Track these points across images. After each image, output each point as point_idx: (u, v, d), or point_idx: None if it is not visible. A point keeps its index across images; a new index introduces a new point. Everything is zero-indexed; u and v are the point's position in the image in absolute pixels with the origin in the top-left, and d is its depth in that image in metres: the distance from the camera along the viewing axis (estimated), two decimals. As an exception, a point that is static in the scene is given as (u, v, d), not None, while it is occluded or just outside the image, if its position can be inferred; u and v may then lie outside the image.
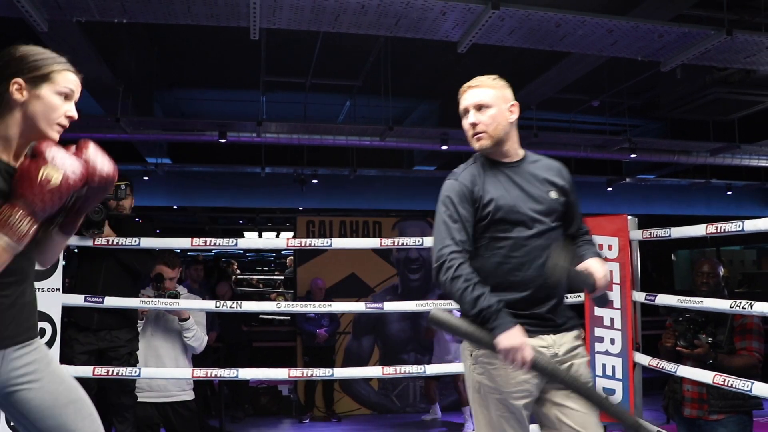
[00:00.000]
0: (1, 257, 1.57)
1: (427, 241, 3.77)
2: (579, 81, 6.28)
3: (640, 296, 3.83)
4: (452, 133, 7.18)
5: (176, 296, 3.95)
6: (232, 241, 3.93)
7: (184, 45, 6.49)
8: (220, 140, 6.74)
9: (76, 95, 1.79)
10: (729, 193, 10.55)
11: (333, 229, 7.45)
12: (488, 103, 2.19)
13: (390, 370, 3.81)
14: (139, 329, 3.95)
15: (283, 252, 16.05)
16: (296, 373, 3.91)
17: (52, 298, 3.52)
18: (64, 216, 1.81)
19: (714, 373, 3.09)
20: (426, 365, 3.99)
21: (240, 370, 3.72)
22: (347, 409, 7.24)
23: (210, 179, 9.38)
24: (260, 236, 13.85)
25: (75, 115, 1.77)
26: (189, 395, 4.12)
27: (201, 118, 7.54)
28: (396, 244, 3.74)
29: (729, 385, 2.99)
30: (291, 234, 12.72)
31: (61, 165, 1.61)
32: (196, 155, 8.87)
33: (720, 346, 3.29)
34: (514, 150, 2.25)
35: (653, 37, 4.36)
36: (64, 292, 3.69)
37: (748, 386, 2.92)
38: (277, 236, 13.67)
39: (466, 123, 2.24)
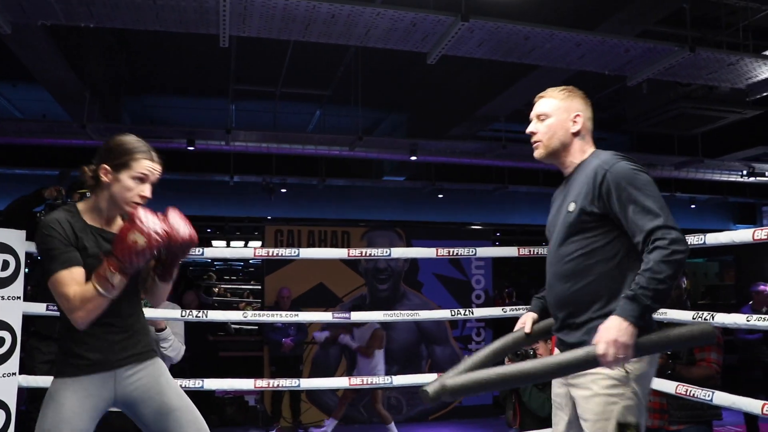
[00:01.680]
0: (100, 302, 2.00)
1: (395, 252, 3.78)
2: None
3: (605, 307, 3.86)
4: (421, 144, 7.21)
5: (147, 305, 3.87)
6: (199, 250, 3.88)
7: (153, 51, 6.43)
8: (188, 148, 6.68)
9: (152, 178, 2.18)
10: (693, 206, 10.76)
11: (301, 239, 7.41)
12: (547, 113, 2.17)
13: (357, 381, 3.79)
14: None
15: (251, 261, 15.93)
16: (262, 383, 3.86)
17: (13, 306, 3.43)
18: (160, 269, 2.25)
19: (676, 383, 3.14)
20: (393, 376, 3.97)
21: (205, 380, 3.66)
22: (314, 420, 7.18)
23: (177, 187, 9.27)
24: (228, 245, 13.71)
25: (148, 194, 2.16)
26: None
27: (169, 125, 7.45)
28: (364, 254, 3.73)
29: (690, 394, 3.03)
30: (259, 243, 12.65)
31: (146, 231, 1.98)
32: (164, 163, 8.76)
33: (679, 357, 3.34)
34: (571, 161, 2.17)
35: (620, 52, 4.44)
36: (25, 300, 3.61)
37: (709, 396, 2.97)
38: (245, 245, 13.56)
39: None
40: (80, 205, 2.20)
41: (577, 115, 2.15)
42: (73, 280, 2.02)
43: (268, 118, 7.89)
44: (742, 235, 3.03)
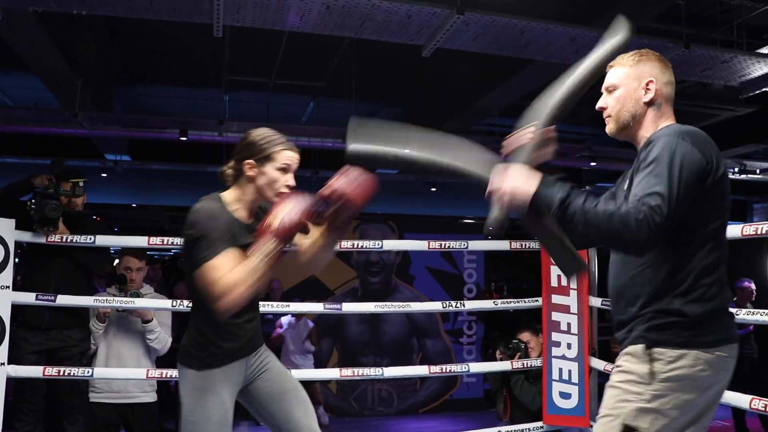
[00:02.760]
0: (263, 274, 2.04)
1: (387, 244, 3.77)
2: (542, 88, 6.34)
3: (596, 302, 3.89)
4: (415, 137, 7.19)
5: (139, 295, 3.87)
6: (191, 241, 3.87)
7: (147, 40, 6.38)
8: (181, 138, 6.65)
9: (294, 167, 2.28)
10: (684, 203, 10.80)
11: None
12: (616, 84, 1.96)
13: (348, 372, 3.80)
14: (101, 331, 3.86)
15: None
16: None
17: (1, 295, 3.42)
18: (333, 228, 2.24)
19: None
20: (384, 368, 3.98)
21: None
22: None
23: (170, 178, 9.24)
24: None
25: (293, 183, 2.26)
26: (151, 397, 4.01)
27: (162, 115, 7.41)
28: (356, 246, 3.73)
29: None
30: (252, 235, 12.63)
31: (280, 216, 2.04)
32: (157, 153, 8.72)
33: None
34: (643, 135, 1.93)
35: (615, 48, 4.43)
36: (14, 289, 3.59)
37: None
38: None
39: None
40: (225, 196, 2.27)
41: (650, 82, 1.91)
42: (234, 260, 2.08)
43: (261, 109, 7.86)
44: (731, 230, 3.05)
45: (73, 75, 5.68)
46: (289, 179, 2.26)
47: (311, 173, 8.67)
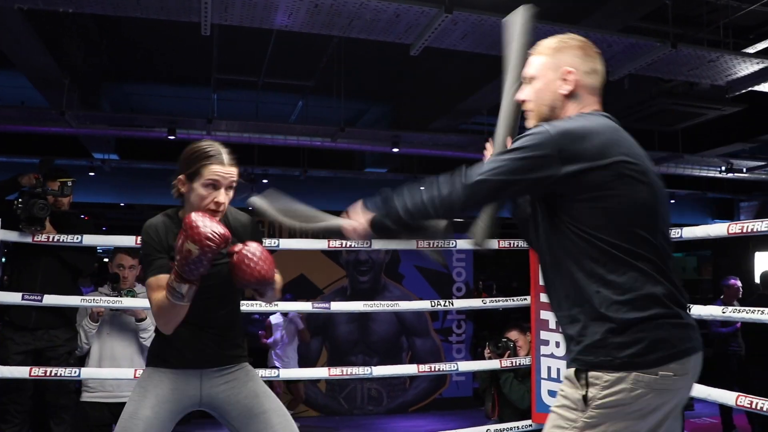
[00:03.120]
0: (174, 309, 2.00)
1: (376, 243, 3.78)
2: (529, 87, 6.36)
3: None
4: (404, 136, 7.21)
5: (133, 294, 3.86)
6: (179, 240, 3.86)
7: (134, 38, 6.34)
8: (170, 137, 6.62)
9: (224, 182, 2.13)
10: (672, 201, 10.86)
11: (282, 229, 7.39)
12: (533, 75, 1.81)
13: (337, 372, 3.80)
14: (94, 331, 3.84)
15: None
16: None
17: (-13, 295, 3.40)
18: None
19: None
20: (373, 367, 3.98)
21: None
22: (294, 411, 7.18)
23: (158, 176, 9.17)
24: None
25: (222, 200, 2.12)
26: None
27: (150, 114, 7.37)
28: (345, 245, 3.73)
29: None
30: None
31: (198, 238, 1.90)
32: (145, 152, 8.68)
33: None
34: None
35: (602, 47, 4.45)
36: (1, 289, 3.57)
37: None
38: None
39: None
40: (181, 212, 2.22)
41: (568, 72, 1.76)
42: (159, 287, 2.05)
43: (249, 108, 7.83)
44: (717, 229, 3.09)
45: (61, 73, 5.64)
46: (219, 196, 2.12)
47: (300, 172, 8.66)
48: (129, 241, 3.68)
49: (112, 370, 3.80)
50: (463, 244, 3.82)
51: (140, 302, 3.89)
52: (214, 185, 2.12)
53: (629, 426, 1.54)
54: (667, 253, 1.64)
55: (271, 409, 2.23)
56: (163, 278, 2.05)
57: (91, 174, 8.62)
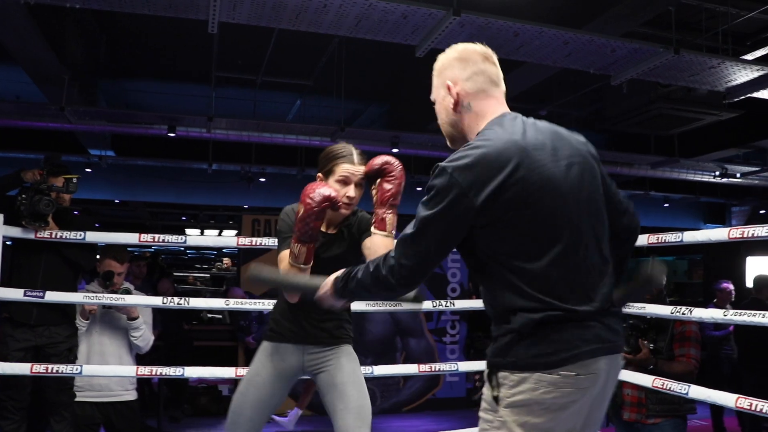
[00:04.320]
0: (294, 276, 2.26)
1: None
2: (529, 90, 6.40)
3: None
4: (403, 137, 7.21)
5: (129, 292, 3.85)
6: (181, 238, 3.85)
7: (134, 35, 6.33)
8: (170, 134, 6.60)
9: (353, 179, 2.40)
10: (666, 205, 10.93)
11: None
12: (432, 99, 1.86)
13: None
14: (84, 329, 3.83)
15: (224, 251, 15.82)
16: (243, 372, 3.83)
17: (-9, 291, 3.38)
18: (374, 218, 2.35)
19: (653, 377, 3.22)
20: (374, 366, 3.97)
21: (186, 368, 3.64)
22: (287, 410, 7.18)
23: (155, 174, 9.16)
24: (202, 233, 13.62)
25: (352, 194, 2.40)
26: (132, 395, 4.01)
27: (149, 110, 7.35)
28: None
29: (667, 388, 3.12)
30: (234, 232, 12.56)
31: (304, 200, 2.21)
32: (141, 149, 8.65)
33: (660, 352, 3.41)
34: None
35: (606, 51, 4.49)
36: (2, 285, 3.55)
37: (685, 389, 3.06)
38: (219, 234, 13.46)
39: None
40: None
41: (449, 87, 1.77)
42: (285, 258, 2.34)
43: (246, 106, 7.82)
44: (718, 233, 3.12)
45: (61, 68, 5.61)
46: (349, 191, 2.39)
47: (297, 171, 8.66)
48: (132, 238, 3.67)
49: (113, 367, 3.80)
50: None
51: (142, 300, 3.88)
52: (345, 181, 2.39)
53: (540, 423, 1.57)
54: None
55: (344, 382, 2.50)
56: (288, 252, 2.32)
57: (87, 170, 8.57)
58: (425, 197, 1.63)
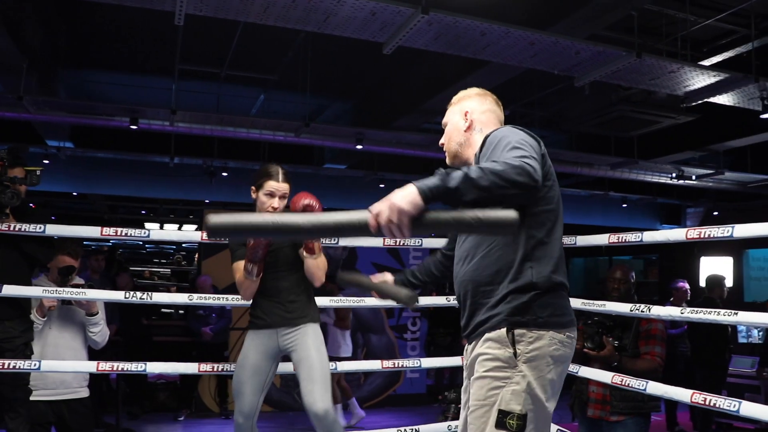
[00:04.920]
0: (248, 283, 3.04)
1: (344, 240, 3.77)
2: (493, 90, 6.43)
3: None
4: (368, 133, 7.22)
5: (92, 285, 3.77)
6: (144, 232, 3.79)
7: (96, 24, 6.19)
8: (131, 127, 6.47)
9: (278, 193, 3.04)
10: (624, 205, 11.15)
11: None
12: (445, 121, 2.24)
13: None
14: (41, 326, 3.73)
15: (183, 245, 15.61)
16: (206, 367, 3.80)
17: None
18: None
19: (613, 373, 3.28)
20: (337, 362, 3.97)
21: (148, 363, 3.59)
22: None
23: (114, 166, 8.97)
24: (161, 227, 13.39)
25: (276, 205, 3.03)
26: (85, 392, 3.91)
27: (111, 102, 7.19)
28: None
29: (626, 384, 3.17)
30: (194, 227, 12.39)
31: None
32: (102, 141, 8.47)
33: (625, 349, 3.48)
34: (471, 153, 2.12)
35: (571, 53, 4.56)
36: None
37: (643, 386, 3.11)
38: (180, 228, 13.27)
39: None
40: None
41: (466, 113, 2.17)
42: (238, 269, 3.05)
43: (210, 99, 7.73)
44: (677, 234, 3.20)
45: (19, 57, 5.45)
46: (274, 202, 3.02)
47: (260, 166, 8.58)
48: (94, 231, 3.59)
49: (73, 363, 3.71)
50: (429, 242, 3.86)
51: (103, 294, 3.81)
52: (271, 194, 3.03)
53: (550, 376, 1.83)
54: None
55: (306, 357, 3.04)
56: (241, 263, 3.00)
57: (45, 162, 8.35)
58: (503, 145, 1.83)
